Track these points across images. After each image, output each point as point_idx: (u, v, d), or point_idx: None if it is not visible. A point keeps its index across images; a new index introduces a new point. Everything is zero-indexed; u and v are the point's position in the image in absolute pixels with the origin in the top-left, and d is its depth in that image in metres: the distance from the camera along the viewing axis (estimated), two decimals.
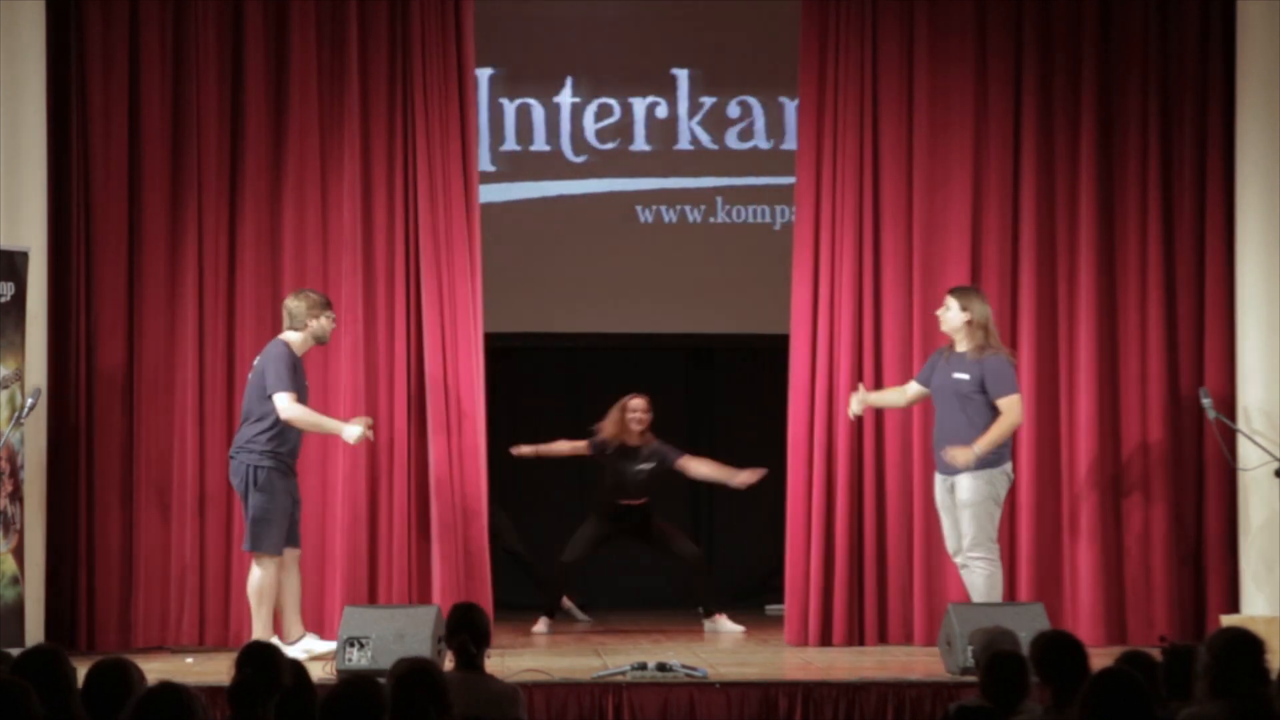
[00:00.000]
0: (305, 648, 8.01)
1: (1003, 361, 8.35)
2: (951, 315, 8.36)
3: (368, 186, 9.08)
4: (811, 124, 9.18)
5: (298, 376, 8.20)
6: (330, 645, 7.93)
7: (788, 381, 9.17)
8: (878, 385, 9.01)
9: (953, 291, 8.49)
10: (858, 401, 8.68)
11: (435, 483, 8.90)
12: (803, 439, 9.08)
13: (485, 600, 8.82)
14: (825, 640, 8.93)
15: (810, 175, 9.17)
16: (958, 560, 8.39)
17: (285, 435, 8.18)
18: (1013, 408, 8.28)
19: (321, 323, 8.30)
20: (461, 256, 9.09)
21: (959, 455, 8.19)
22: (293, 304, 8.32)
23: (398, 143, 9.10)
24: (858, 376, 9.00)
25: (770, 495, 10.74)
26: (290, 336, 8.27)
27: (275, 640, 7.83)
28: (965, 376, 8.28)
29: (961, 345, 8.36)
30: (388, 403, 9.01)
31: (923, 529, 8.98)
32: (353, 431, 8.29)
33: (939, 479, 8.42)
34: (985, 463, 8.22)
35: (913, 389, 8.66)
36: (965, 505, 8.25)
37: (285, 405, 8.09)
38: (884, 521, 9.08)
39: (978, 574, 8.26)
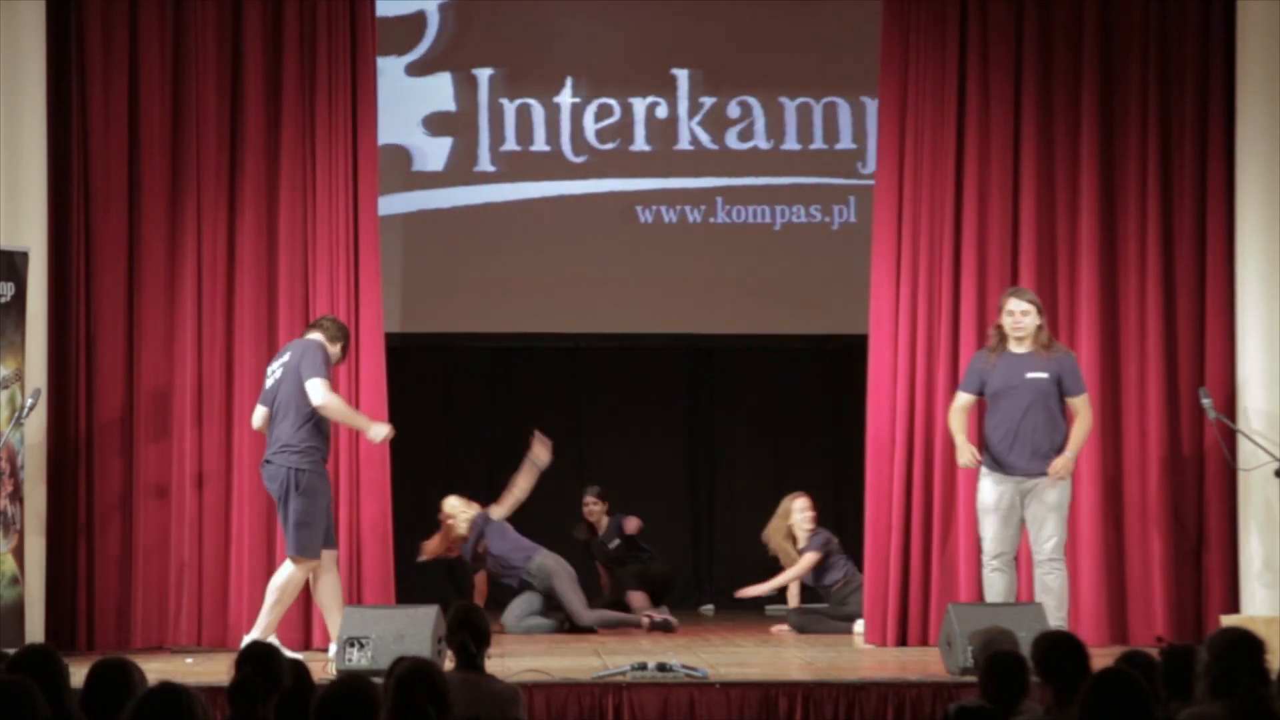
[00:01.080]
0: None
1: (1075, 359, 8.43)
2: (1031, 318, 8.26)
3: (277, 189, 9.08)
4: (894, 123, 9.15)
5: (328, 364, 8.16)
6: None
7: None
8: (953, 383, 8.96)
9: (1023, 294, 8.38)
10: (970, 452, 8.36)
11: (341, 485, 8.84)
12: (884, 441, 9.03)
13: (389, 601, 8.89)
14: (902, 640, 8.91)
15: (892, 176, 9.15)
16: (995, 563, 8.23)
17: (322, 429, 8.14)
18: (1088, 405, 8.35)
19: (336, 352, 8.29)
20: (367, 260, 9.01)
21: (1063, 467, 8.14)
22: (328, 323, 8.36)
23: (303, 147, 9.05)
24: (946, 377, 8.98)
25: (771, 496, 10.76)
26: (322, 338, 8.27)
27: (274, 641, 7.86)
28: (1044, 375, 8.22)
29: (1025, 346, 8.27)
30: None
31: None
32: (380, 430, 8.28)
33: (1004, 480, 8.22)
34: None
35: (966, 400, 8.46)
36: (1054, 508, 8.18)
37: (323, 393, 8.04)
38: (960, 524, 9.02)
39: (1059, 579, 8.18)
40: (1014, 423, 8.22)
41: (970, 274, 9.08)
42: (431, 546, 9.88)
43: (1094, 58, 9.23)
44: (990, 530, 8.26)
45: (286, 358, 8.19)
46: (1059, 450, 8.21)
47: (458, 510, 9.81)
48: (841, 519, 10.73)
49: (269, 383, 8.24)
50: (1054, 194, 9.24)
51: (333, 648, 7.67)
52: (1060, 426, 8.26)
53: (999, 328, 8.37)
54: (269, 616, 8.10)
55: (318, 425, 8.12)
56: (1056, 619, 8.02)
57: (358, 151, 9.07)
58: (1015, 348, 8.30)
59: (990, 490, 8.27)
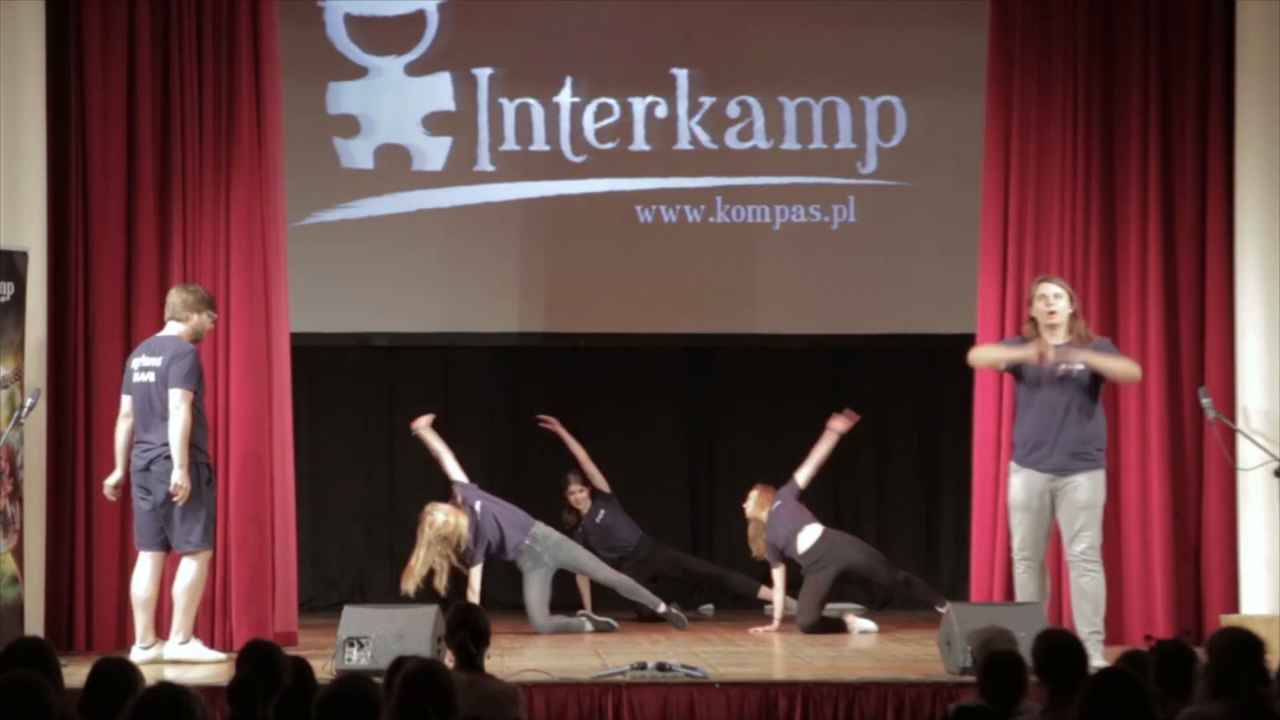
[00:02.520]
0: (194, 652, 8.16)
1: (1109, 342, 8.26)
2: (1064, 303, 7.97)
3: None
4: (999, 122, 9.15)
5: (200, 376, 8.20)
6: (214, 655, 8.18)
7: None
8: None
9: (1053, 280, 8.14)
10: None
11: (237, 486, 8.83)
12: (990, 437, 8.97)
13: (290, 602, 8.93)
14: None
15: (998, 174, 9.16)
16: (1024, 564, 8.05)
17: (203, 424, 8.20)
18: (1134, 365, 8.25)
19: (201, 319, 8.26)
20: (273, 265, 9.01)
21: (1061, 352, 7.87)
22: (175, 297, 8.31)
23: (216, 151, 9.08)
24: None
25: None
26: (173, 330, 8.25)
27: (196, 642, 8.14)
28: (1079, 366, 7.92)
29: (1060, 335, 7.95)
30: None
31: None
32: (113, 479, 8.23)
33: (1034, 476, 7.99)
34: (1099, 463, 7.99)
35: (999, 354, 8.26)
36: (1086, 507, 7.92)
37: (182, 404, 8.09)
38: None
39: (1094, 581, 7.96)
40: (1048, 419, 7.92)
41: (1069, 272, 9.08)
42: (417, 570, 9.65)
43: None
44: (1020, 528, 8.04)
45: (158, 361, 8.17)
46: (1091, 448, 7.97)
47: (451, 515, 9.74)
48: (842, 518, 10.75)
49: (137, 379, 8.22)
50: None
51: (172, 643, 8.01)
52: (1096, 423, 8.01)
53: (1033, 320, 8.03)
54: (185, 617, 8.19)
55: (199, 420, 8.16)
56: (1091, 624, 7.86)
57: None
58: (1050, 338, 7.96)
59: (1020, 488, 8.03)
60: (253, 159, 9.03)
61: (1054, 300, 7.95)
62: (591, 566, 9.90)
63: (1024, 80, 9.14)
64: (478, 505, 9.75)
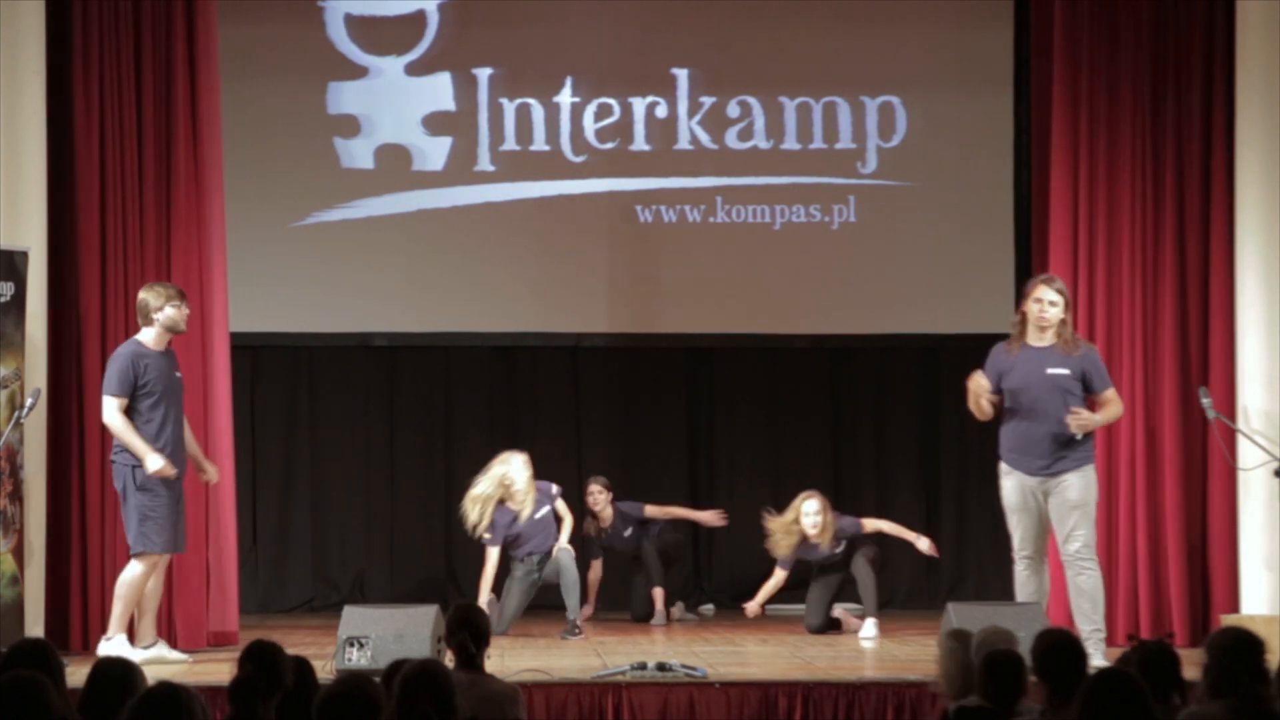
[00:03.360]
0: (158, 654, 8.13)
1: (1097, 353, 8.21)
2: (1057, 310, 7.96)
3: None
4: (1067, 123, 9.19)
5: (125, 381, 8.12)
6: (178, 655, 8.17)
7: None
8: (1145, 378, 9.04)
9: (1054, 283, 8.10)
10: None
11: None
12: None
13: (229, 600, 8.92)
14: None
15: (1067, 173, 9.19)
16: (1022, 562, 8.06)
17: (156, 433, 8.13)
18: (1118, 398, 8.18)
19: (169, 313, 8.21)
20: (212, 268, 9.00)
21: (1077, 420, 7.85)
22: (140, 298, 8.30)
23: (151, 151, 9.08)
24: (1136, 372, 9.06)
25: (770, 496, 10.76)
26: (143, 335, 8.25)
27: (122, 639, 8.07)
28: (1065, 371, 7.92)
29: (1047, 339, 7.97)
30: None
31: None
32: (154, 462, 8.10)
33: (1025, 479, 8.00)
34: (1087, 460, 8.00)
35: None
36: (1076, 506, 7.93)
37: (106, 410, 8.14)
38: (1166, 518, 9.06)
39: (1092, 579, 7.96)
40: (1033, 420, 7.96)
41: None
42: (469, 508, 9.63)
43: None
44: (1018, 529, 8.06)
45: None
46: (1078, 445, 7.96)
47: (515, 475, 9.58)
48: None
49: None
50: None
51: (140, 648, 7.95)
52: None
53: (1022, 315, 8.06)
54: (119, 613, 8.16)
55: (146, 422, 8.14)
56: (1092, 622, 7.86)
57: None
58: (1035, 340, 7.98)
59: (1012, 490, 8.04)
60: (188, 162, 9.02)
61: (1049, 306, 7.97)
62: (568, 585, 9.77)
63: (1093, 77, 9.18)
64: (555, 505, 9.72)
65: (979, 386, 7.99)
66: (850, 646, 9.03)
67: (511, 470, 9.57)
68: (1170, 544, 9.11)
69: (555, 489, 9.77)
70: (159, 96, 9.00)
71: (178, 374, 8.29)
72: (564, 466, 10.73)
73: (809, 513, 9.66)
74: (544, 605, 10.03)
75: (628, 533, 10.43)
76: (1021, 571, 8.11)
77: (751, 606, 9.84)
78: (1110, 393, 8.10)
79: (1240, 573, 8.98)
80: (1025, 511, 8.02)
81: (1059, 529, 8.01)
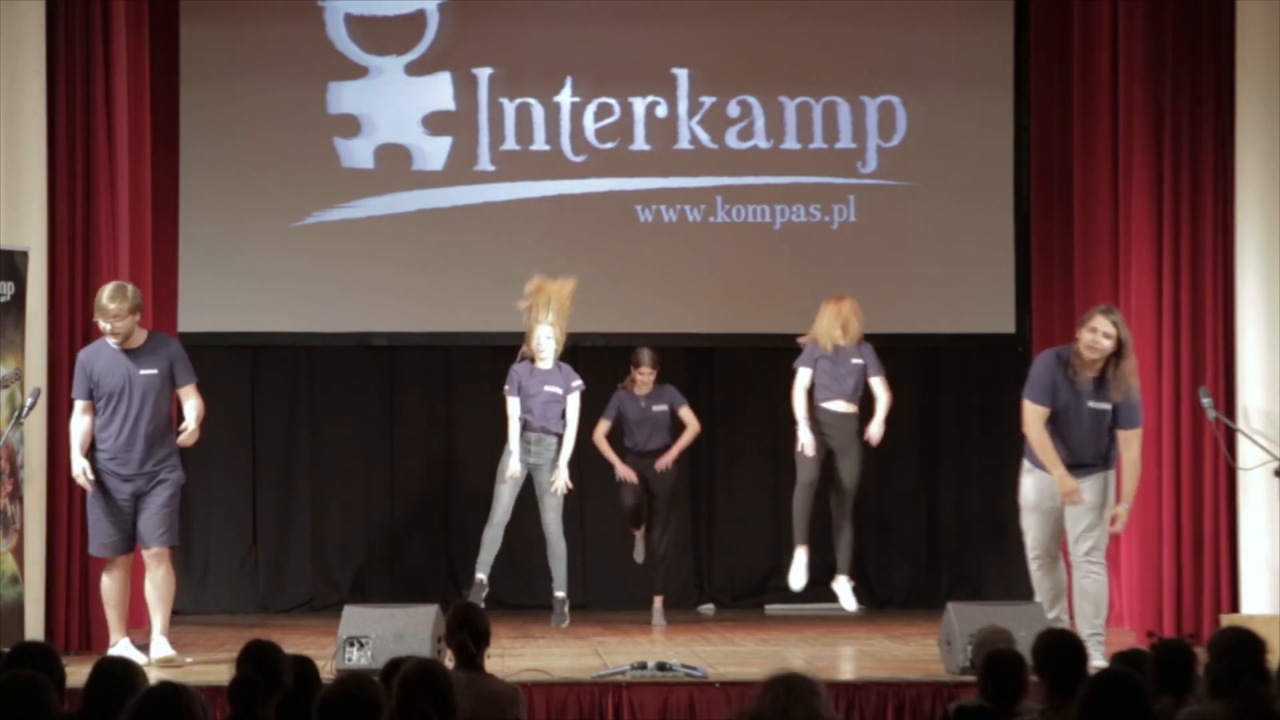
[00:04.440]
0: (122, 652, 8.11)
1: (1137, 393, 7.94)
2: (1110, 343, 7.77)
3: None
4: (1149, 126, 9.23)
5: (78, 384, 8.16)
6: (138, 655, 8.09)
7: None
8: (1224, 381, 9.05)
9: (1111, 314, 7.89)
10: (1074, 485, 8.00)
11: None
12: (1150, 441, 8.94)
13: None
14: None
15: (1150, 173, 9.23)
16: (1037, 561, 8.02)
17: (101, 430, 8.16)
18: (1139, 439, 8.00)
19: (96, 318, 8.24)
20: (164, 260, 9.05)
21: (1121, 521, 7.93)
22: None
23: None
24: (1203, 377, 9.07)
25: (771, 496, 10.76)
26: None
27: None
28: (1105, 407, 7.83)
29: (1093, 370, 7.82)
30: None
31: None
32: (74, 467, 8.17)
33: (1045, 478, 7.93)
34: (1108, 465, 7.95)
35: (1044, 414, 7.96)
36: (1092, 508, 7.88)
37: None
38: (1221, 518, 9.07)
39: (1097, 583, 7.92)
40: (1064, 439, 7.88)
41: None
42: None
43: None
44: (1032, 528, 8.05)
45: None
46: (1102, 457, 7.91)
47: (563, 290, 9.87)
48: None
49: None
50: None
51: (120, 645, 7.93)
52: (1110, 439, 7.93)
53: (1076, 342, 7.84)
54: (108, 618, 8.20)
55: (96, 426, 8.16)
56: (1091, 626, 7.83)
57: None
58: (1088, 371, 7.82)
59: (1032, 488, 8.02)
60: (133, 164, 9.08)
61: (1102, 339, 7.76)
62: (550, 517, 9.79)
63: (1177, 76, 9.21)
64: (567, 396, 9.84)
65: (1071, 497, 7.88)
66: (850, 646, 9.02)
67: (540, 332, 9.80)
68: (1170, 544, 9.10)
69: (578, 382, 9.92)
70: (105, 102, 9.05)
71: (143, 372, 8.13)
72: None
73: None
74: (545, 606, 10.03)
75: (658, 408, 10.33)
76: (1035, 572, 8.09)
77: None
78: (1135, 433, 7.93)
79: (1240, 573, 8.98)
80: (1040, 511, 7.99)
81: (1072, 529, 7.97)
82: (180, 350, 8.28)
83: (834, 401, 9.83)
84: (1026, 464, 8.08)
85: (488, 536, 9.75)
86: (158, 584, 8.20)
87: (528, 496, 9.97)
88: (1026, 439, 8.00)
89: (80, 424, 8.19)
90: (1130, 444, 7.91)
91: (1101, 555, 7.97)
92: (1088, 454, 7.88)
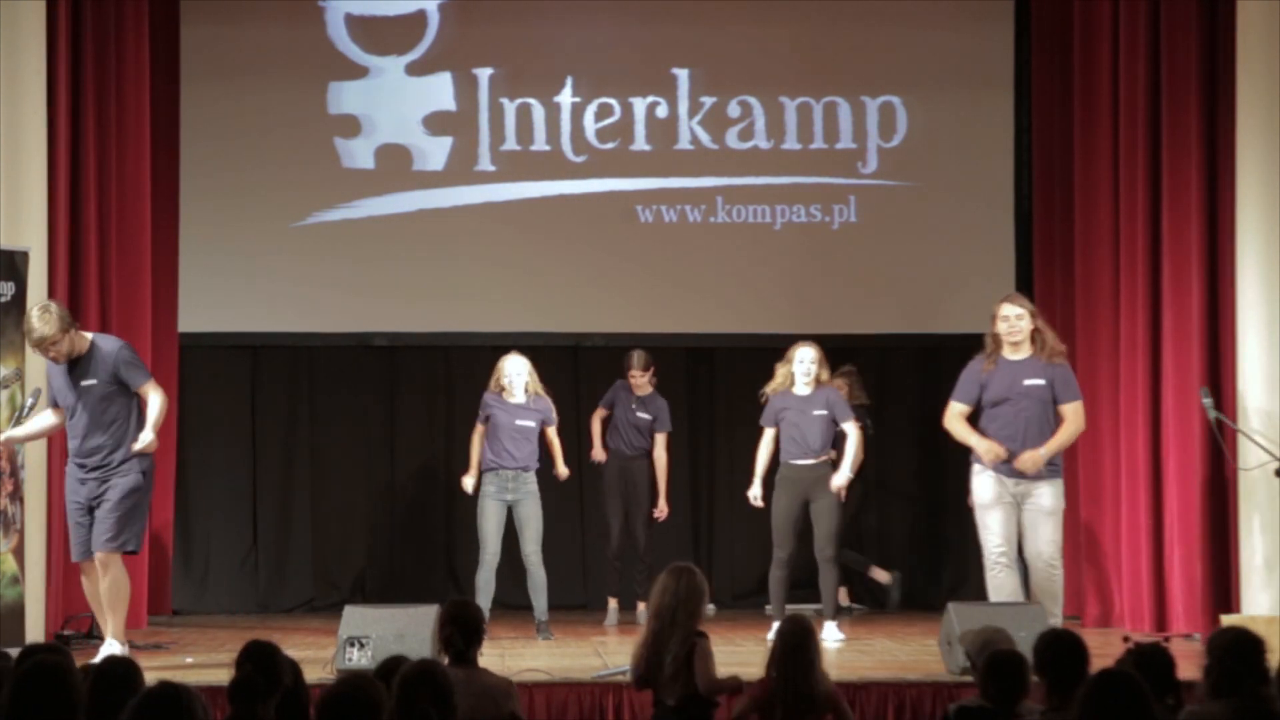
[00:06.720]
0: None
1: (1069, 367, 8.34)
2: (1025, 323, 8.22)
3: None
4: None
5: (51, 389, 8.12)
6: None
7: None
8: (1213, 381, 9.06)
9: (1016, 299, 8.37)
10: (992, 448, 8.20)
11: None
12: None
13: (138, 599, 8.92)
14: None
15: (1150, 173, 9.29)
16: (1001, 560, 8.16)
17: (69, 433, 8.09)
18: (1080, 413, 8.27)
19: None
20: (164, 260, 9.08)
21: (1031, 461, 8.08)
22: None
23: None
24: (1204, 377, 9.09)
25: (770, 496, 10.71)
26: None
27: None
28: (1041, 381, 8.18)
29: (1022, 352, 8.23)
30: None
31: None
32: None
33: (1001, 479, 8.18)
34: (1060, 472, 8.23)
35: (962, 410, 8.41)
36: (1050, 513, 8.15)
37: None
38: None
39: (1059, 580, 8.19)
40: (1012, 431, 8.17)
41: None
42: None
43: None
44: (993, 525, 8.18)
45: None
46: (1055, 459, 8.16)
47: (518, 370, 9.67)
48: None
49: None
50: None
51: (110, 645, 7.81)
52: (1051, 432, 8.20)
53: (995, 336, 8.29)
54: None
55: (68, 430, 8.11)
56: (1054, 617, 7.92)
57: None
58: (1011, 354, 8.24)
59: (988, 486, 8.21)
60: (133, 165, 9.10)
61: (1015, 320, 8.20)
62: (529, 549, 9.66)
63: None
64: (545, 429, 9.67)
65: (996, 455, 8.10)
66: (850, 646, 9.02)
67: (507, 363, 9.61)
68: (1170, 544, 9.11)
69: (553, 413, 9.72)
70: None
71: (83, 383, 7.92)
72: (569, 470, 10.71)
73: (804, 359, 9.32)
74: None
75: (645, 415, 10.39)
76: (999, 573, 8.21)
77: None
78: (1070, 407, 8.23)
79: (1240, 573, 8.98)
80: (1001, 506, 8.18)
81: (1031, 533, 8.17)
82: (124, 353, 7.98)
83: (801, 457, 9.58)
84: (977, 465, 8.27)
85: (480, 580, 9.46)
86: (105, 589, 7.92)
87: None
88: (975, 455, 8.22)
89: (48, 420, 8.13)
90: (1069, 416, 8.20)
91: (1059, 554, 8.21)
92: (1033, 436, 8.08)
